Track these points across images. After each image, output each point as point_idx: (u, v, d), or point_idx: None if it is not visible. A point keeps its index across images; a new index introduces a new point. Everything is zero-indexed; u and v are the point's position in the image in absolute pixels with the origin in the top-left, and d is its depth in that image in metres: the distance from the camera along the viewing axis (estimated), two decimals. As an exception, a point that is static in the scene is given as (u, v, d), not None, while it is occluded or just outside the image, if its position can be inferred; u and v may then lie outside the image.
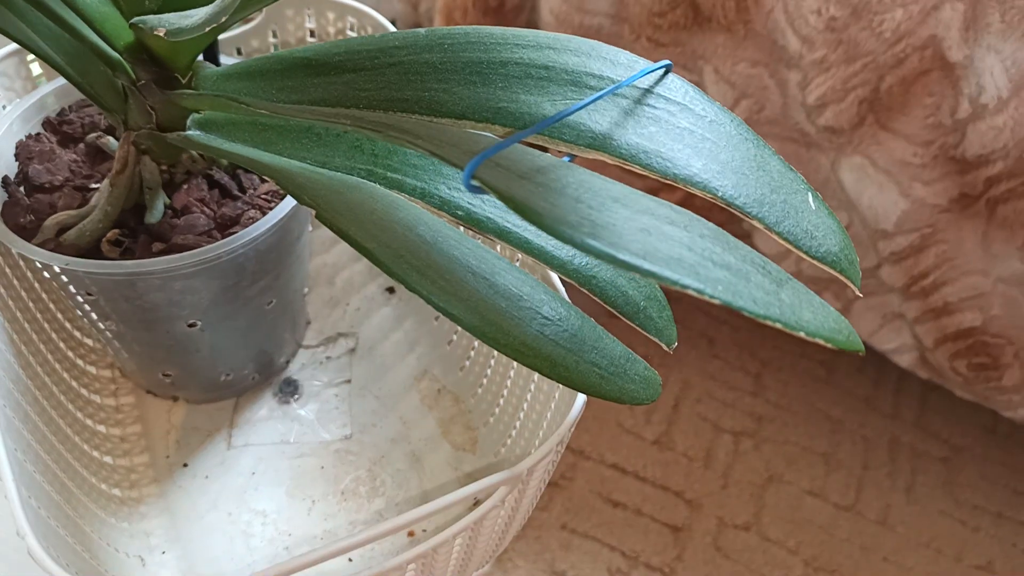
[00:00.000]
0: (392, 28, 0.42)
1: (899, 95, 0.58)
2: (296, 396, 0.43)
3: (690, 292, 0.18)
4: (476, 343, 0.43)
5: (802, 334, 0.19)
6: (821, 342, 0.20)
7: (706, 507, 0.74)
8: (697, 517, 0.73)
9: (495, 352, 0.40)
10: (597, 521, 0.72)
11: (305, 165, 0.30)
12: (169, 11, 0.29)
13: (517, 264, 0.30)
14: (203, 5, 0.26)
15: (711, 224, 0.22)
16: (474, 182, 0.19)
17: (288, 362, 0.44)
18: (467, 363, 0.44)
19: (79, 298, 0.34)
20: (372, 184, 0.28)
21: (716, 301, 0.18)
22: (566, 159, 0.27)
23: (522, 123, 0.25)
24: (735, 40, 0.59)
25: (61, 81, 0.37)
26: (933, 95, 0.57)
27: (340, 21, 0.42)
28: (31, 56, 0.40)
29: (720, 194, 0.23)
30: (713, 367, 0.85)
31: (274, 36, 0.43)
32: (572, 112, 0.23)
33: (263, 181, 0.36)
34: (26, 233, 0.33)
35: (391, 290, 0.48)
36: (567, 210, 0.20)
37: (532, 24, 0.70)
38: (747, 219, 0.23)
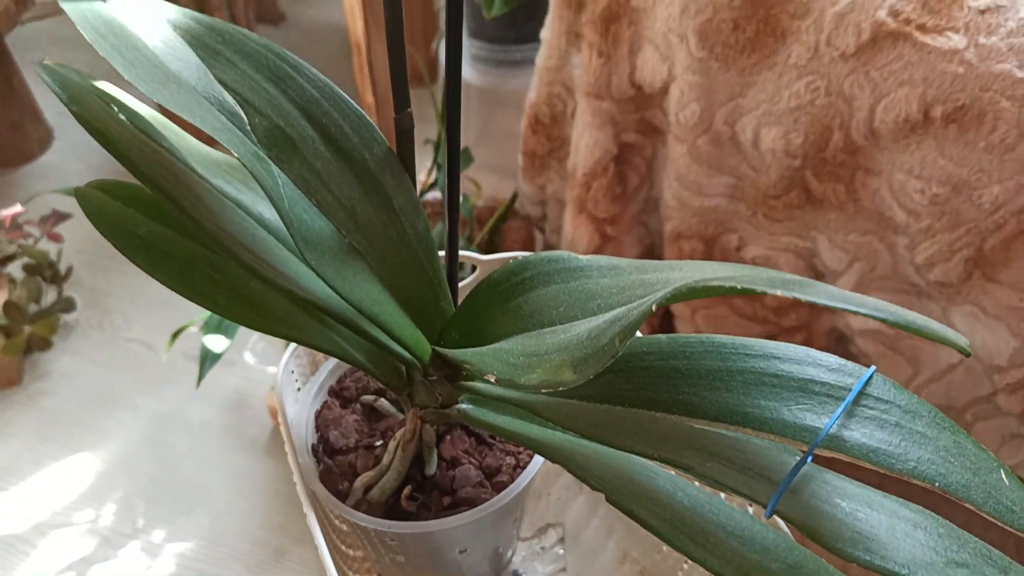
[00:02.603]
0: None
1: (1001, 252, 0.64)
2: (522, 586, 0.50)
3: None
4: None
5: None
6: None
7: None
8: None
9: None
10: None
11: (573, 439, 0.38)
12: (466, 345, 0.37)
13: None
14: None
15: (943, 520, 0.29)
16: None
17: (512, 555, 0.52)
18: (664, 546, 0.51)
19: (375, 540, 0.43)
20: (646, 462, 0.36)
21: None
22: (808, 457, 0.34)
23: (767, 427, 0.33)
24: (846, 215, 0.67)
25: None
26: (1033, 249, 0.64)
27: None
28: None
29: (936, 484, 0.30)
30: None
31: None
32: (829, 428, 0.31)
33: (508, 427, 0.45)
34: (340, 495, 0.42)
35: (582, 477, 0.56)
36: (840, 527, 0.27)
37: (651, 202, 0.79)
38: (958, 501, 0.30)
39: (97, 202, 0.38)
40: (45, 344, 1.00)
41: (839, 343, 0.81)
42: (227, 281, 0.38)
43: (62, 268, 1.07)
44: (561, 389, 0.29)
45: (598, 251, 0.78)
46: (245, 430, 0.96)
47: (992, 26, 0.56)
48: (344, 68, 1.53)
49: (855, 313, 0.25)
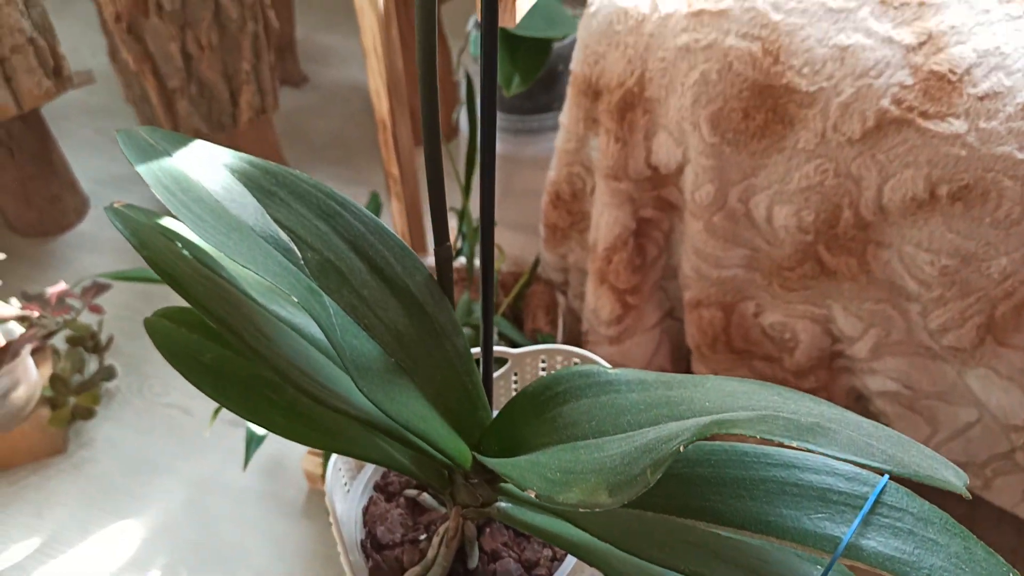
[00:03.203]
0: (605, 365, 0.53)
1: (1012, 318, 0.66)
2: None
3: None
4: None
5: None
6: None
7: None
8: None
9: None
10: None
11: (615, 551, 0.40)
12: (504, 452, 0.40)
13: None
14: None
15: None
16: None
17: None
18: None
19: (424, 630, 0.46)
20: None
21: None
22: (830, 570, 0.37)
23: (790, 536, 0.35)
24: (859, 286, 0.70)
25: (382, 452, 0.49)
26: (1043, 314, 0.66)
27: (567, 361, 0.54)
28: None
29: (949, 592, 0.33)
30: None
31: (515, 377, 0.55)
32: (848, 539, 0.34)
33: (544, 519, 0.47)
34: (390, 590, 0.45)
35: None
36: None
37: (669, 269, 0.82)
38: (971, 608, 0.33)
39: (164, 330, 0.42)
40: (89, 413, 1.04)
41: (858, 401, 0.83)
42: (284, 400, 0.41)
43: (103, 338, 1.11)
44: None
45: (620, 320, 0.81)
46: (282, 493, 0.99)
47: (991, 111, 0.59)
48: (367, 125, 1.58)
49: (864, 466, 0.28)
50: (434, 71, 0.36)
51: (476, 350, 0.48)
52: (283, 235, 0.40)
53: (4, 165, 1.23)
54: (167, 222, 0.41)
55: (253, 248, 0.37)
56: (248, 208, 0.40)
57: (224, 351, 0.42)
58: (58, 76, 1.19)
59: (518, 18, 0.47)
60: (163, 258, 0.39)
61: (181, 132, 1.22)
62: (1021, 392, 0.69)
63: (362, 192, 1.45)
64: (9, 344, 0.93)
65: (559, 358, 0.54)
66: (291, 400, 0.41)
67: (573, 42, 0.82)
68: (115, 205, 0.41)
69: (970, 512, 0.93)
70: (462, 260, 0.96)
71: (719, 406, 0.35)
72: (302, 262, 0.40)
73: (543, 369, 0.55)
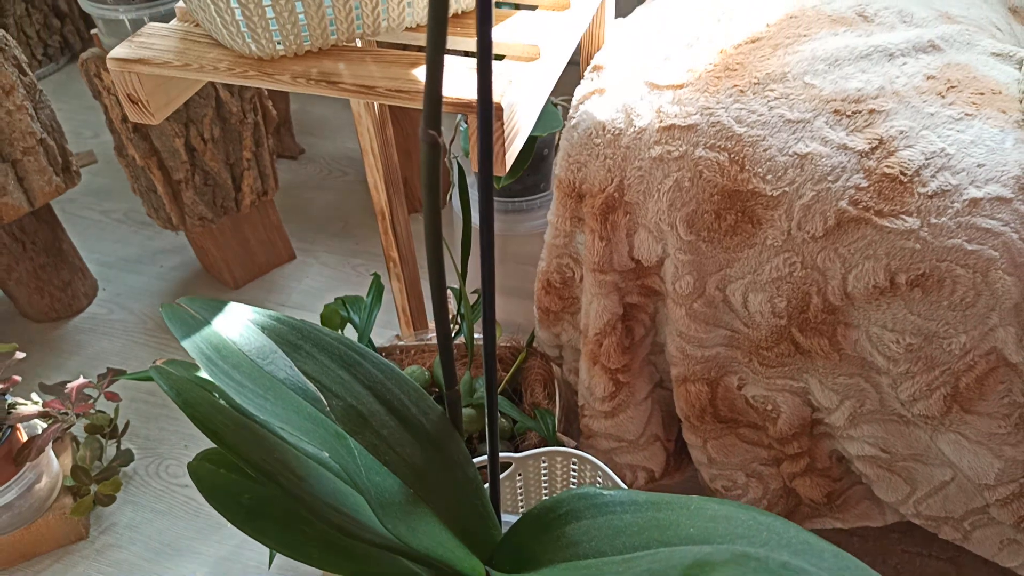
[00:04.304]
0: (599, 464, 0.59)
1: (976, 388, 0.72)
2: None
3: None
4: None
5: None
6: None
7: None
8: None
9: None
10: None
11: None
12: (514, 566, 0.45)
13: None
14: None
15: None
16: None
17: None
18: None
19: None
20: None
21: None
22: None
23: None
24: (832, 363, 0.75)
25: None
26: (1004, 382, 0.71)
27: (565, 462, 0.59)
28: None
29: None
30: None
31: (519, 477, 0.60)
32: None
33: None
34: None
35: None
36: None
37: (656, 345, 0.88)
38: None
39: (205, 473, 0.47)
40: (110, 500, 1.08)
41: (840, 462, 0.88)
42: (317, 533, 0.46)
43: (119, 423, 1.15)
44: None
45: (613, 396, 0.86)
46: (300, 568, 1.03)
47: (941, 208, 0.65)
48: (364, 195, 1.64)
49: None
50: (439, 246, 0.41)
51: (483, 458, 0.54)
52: (311, 386, 0.45)
53: (18, 258, 1.29)
54: (205, 375, 0.46)
55: (286, 406, 0.42)
56: (278, 363, 0.45)
57: (261, 490, 0.47)
58: (67, 172, 1.25)
59: (507, 168, 0.52)
60: (203, 411, 0.44)
61: (187, 219, 1.28)
62: (990, 454, 0.74)
63: (363, 263, 1.50)
64: (33, 440, 0.98)
65: (559, 459, 0.59)
66: (323, 532, 0.46)
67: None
68: (157, 363, 0.46)
69: (956, 554, 0.98)
70: (460, 340, 1.02)
71: (701, 533, 0.40)
72: (328, 409, 0.45)
73: (544, 469, 0.60)
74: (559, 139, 0.81)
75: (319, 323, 0.94)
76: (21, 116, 1.15)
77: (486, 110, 0.35)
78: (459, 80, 0.54)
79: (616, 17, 0.82)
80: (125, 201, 1.66)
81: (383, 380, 0.46)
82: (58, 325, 1.40)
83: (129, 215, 1.64)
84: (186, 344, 0.42)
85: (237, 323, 0.45)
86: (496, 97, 0.50)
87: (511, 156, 0.53)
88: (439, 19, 0.31)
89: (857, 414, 0.78)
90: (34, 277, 1.33)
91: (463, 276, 0.99)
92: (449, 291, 1.06)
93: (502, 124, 0.49)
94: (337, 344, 0.46)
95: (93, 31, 1.16)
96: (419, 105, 0.51)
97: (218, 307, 0.46)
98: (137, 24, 1.05)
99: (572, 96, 0.80)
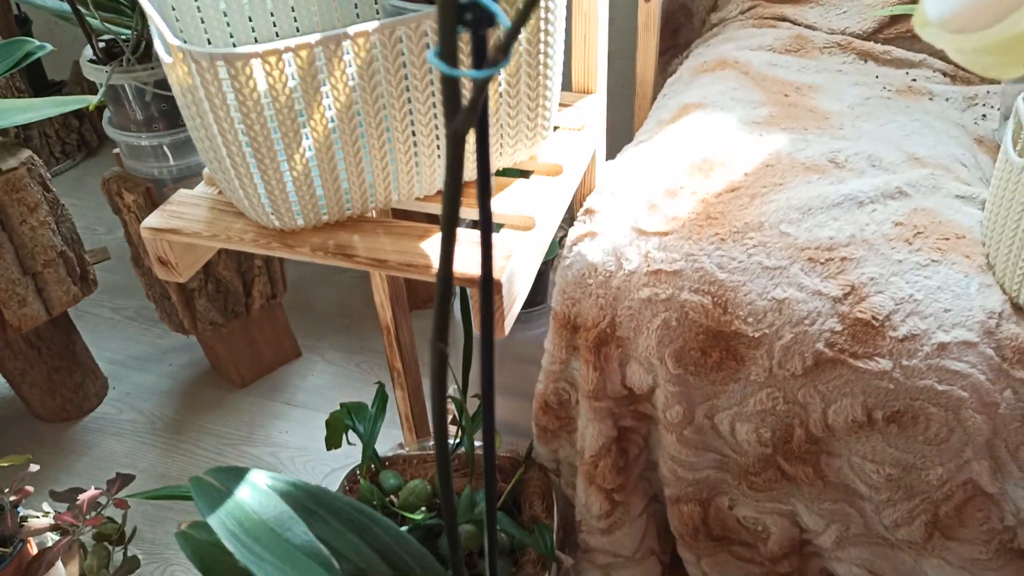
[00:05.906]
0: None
1: (955, 516, 0.75)
2: None
3: None
4: None
5: None
6: None
7: None
8: None
9: None
10: None
11: None
12: None
13: None
14: None
15: None
16: None
17: None
18: None
19: None
20: None
21: None
22: None
23: None
24: (817, 489, 0.79)
25: None
26: (982, 510, 0.75)
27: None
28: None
29: None
30: None
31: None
32: None
33: None
34: None
35: None
36: None
37: (650, 463, 0.91)
38: None
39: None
40: (116, 609, 1.10)
41: (831, 579, 0.91)
42: None
43: (127, 529, 1.18)
44: None
45: (609, 514, 0.89)
46: None
47: (911, 351, 0.69)
48: (367, 290, 1.69)
49: None
50: (444, 387, 0.45)
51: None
52: (324, 550, 0.49)
53: (33, 363, 1.33)
54: (226, 544, 0.50)
55: (301, 574, 0.46)
56: (295, 529, 0.49)
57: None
58: (84, 281, 1.30)
59: (506, 331, 0.57)
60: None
61: (199, 324, 1.32)
62: (971, 577, 0.77)
63: (367, 360, 1.54)
64: (43, 553, 1.00)
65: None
66: None
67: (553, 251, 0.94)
68: (182, 527, 0.50)
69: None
70: (460, 451, 1.05)
71: None
72: (339, 571, 0.48)
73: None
74: (556, 265, 0.87)
75: (324, 426, 0.98)
76: (44, 231, 1.21)
77: (488, 289, 0.40)
78: (462, 254, 0.59)
79: (607, 159, 0.88)
80: (136, 299, 1.71)
81: (391, 544, 0.49)
82: (68, 425, 1.44)
83: (140, 312, 1.68)
84: (211, 521, 0.46)
85: (257, 490, 0.49)
86: (496, 273, 0.55)
87: (510, 321, 0.58)
88: (447, 256, 0.36)
89: (844, 537, 0.81)
90: (47, 380, 1.37)
91: (464, 389, 1.03)
92: (450, 400, 1.10)
93: (502, 297, 0.54)
94: (348, 509, 0.50)
95: (115, 151, 1.23)
96: (427, 278, 0.56)
97: (240, 475, 0.50)
98: (157, 150, 1.12)
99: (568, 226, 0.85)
